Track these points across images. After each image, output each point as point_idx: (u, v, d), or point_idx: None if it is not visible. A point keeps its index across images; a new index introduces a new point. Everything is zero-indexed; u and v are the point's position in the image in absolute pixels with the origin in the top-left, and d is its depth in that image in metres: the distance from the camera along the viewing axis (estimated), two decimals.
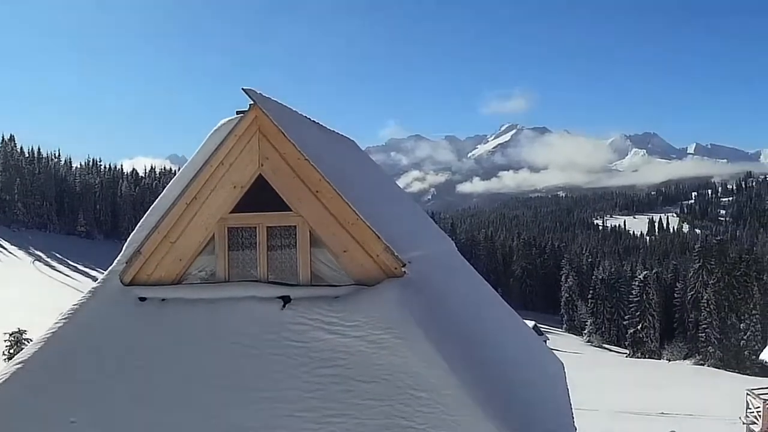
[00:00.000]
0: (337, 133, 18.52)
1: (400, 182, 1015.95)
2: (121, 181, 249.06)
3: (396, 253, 12.37)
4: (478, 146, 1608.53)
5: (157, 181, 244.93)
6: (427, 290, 12.87)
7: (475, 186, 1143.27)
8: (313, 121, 16.38)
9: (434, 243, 18.28)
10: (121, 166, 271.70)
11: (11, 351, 74.82)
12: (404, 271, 12.42)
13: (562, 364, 19.99)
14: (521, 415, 11.88)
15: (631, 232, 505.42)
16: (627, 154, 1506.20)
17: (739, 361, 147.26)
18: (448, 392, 10.89)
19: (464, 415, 10.69)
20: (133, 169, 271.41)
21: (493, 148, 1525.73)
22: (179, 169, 13.66)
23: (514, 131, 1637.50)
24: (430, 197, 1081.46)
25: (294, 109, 14.94)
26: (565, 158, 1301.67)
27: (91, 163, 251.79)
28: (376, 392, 11.08)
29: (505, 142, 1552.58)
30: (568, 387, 18.69)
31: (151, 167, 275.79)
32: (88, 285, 16.93)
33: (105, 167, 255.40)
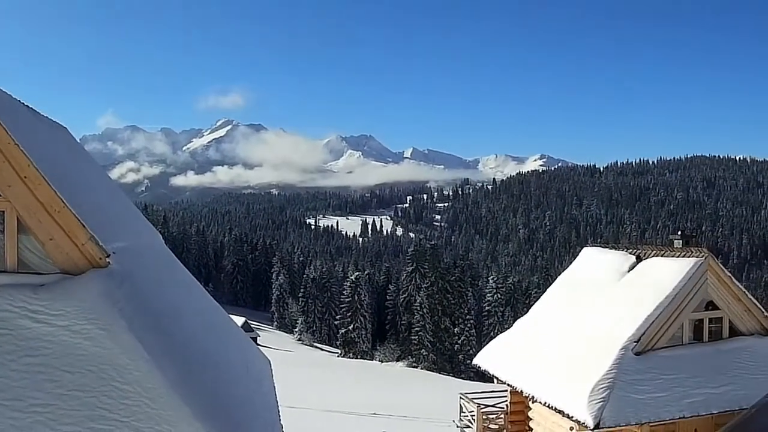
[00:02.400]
0: (50, 119, 18.11)
1: (115, 173, 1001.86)
2: None
3: (101, 243, 12.25)
4: (194, 140, 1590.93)
5: None
6: (130, 282, 12.83)
7: (189, 180, 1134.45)
8: (27, 105, 15.99)
9: (140, 235, 18.10)
10: None
11: None
12: (108, 262, 12.33)
13: (269, 361, 20.06)
14: (225, 411, 12.04)
15: (344, 233, 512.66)
16: (342, 156, 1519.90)
17: (454, 365, 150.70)
18: (152, 386, 10.94)
19: (168, 410, 10.76)
20: None
21: (209, 142, 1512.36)
22: None
23: (229, 127, 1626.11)
24: (143, 189, 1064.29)
25: (7, 92, 14.56)
26: (280, 156, 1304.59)
27: None
28: (81, 383, 11.00)
29: (221, 137, 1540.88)
30: (276, 384, 18.80)
31: None
32: None
33: None
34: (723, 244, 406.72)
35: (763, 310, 32.32)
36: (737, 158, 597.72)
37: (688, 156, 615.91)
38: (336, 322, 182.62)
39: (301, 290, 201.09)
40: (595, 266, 36.86)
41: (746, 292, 31.93)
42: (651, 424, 27.55)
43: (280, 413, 16.90)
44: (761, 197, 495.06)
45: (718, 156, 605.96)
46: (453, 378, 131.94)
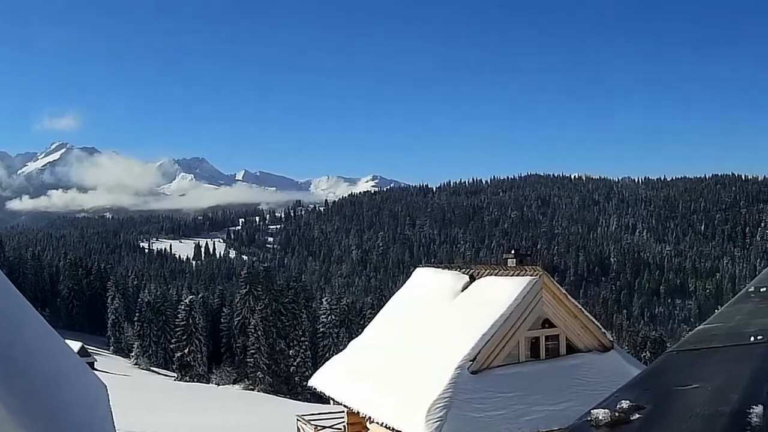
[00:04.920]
0: None
1: None
2: None
3: None
4: (29, 163, 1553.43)
5: None
6: None
7: (24, 204, 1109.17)
8: None
9: None
10: None
11: None
12: None
13: (106, 386, 19.98)
14: None
15: (177, 256, 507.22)
16: (175, 178, 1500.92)
17: (290, 387, 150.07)
18: None
19: None
20: None
21: (43, 166, 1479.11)
22: None
23: (63, 150, 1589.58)
24: None
25: None
26: (114, 179, 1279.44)
27: None
28: None
29: (55, 160, 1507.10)
30: (114, 410, 18.77)
31: None
32: None
33: None
34: (559, 261, 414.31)
35: (601, 326, 33.17)
36: (572, 176, 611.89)
37: (522, 175, 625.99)
38: (172, 346, 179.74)
39: (137, 314, 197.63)
40: (428, 286, 37.23)
41: (582, 309, 32.63)
42: None
43: None
44: (597, 215, 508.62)
45: (553, 174, 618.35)
46: (290, 400, 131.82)
